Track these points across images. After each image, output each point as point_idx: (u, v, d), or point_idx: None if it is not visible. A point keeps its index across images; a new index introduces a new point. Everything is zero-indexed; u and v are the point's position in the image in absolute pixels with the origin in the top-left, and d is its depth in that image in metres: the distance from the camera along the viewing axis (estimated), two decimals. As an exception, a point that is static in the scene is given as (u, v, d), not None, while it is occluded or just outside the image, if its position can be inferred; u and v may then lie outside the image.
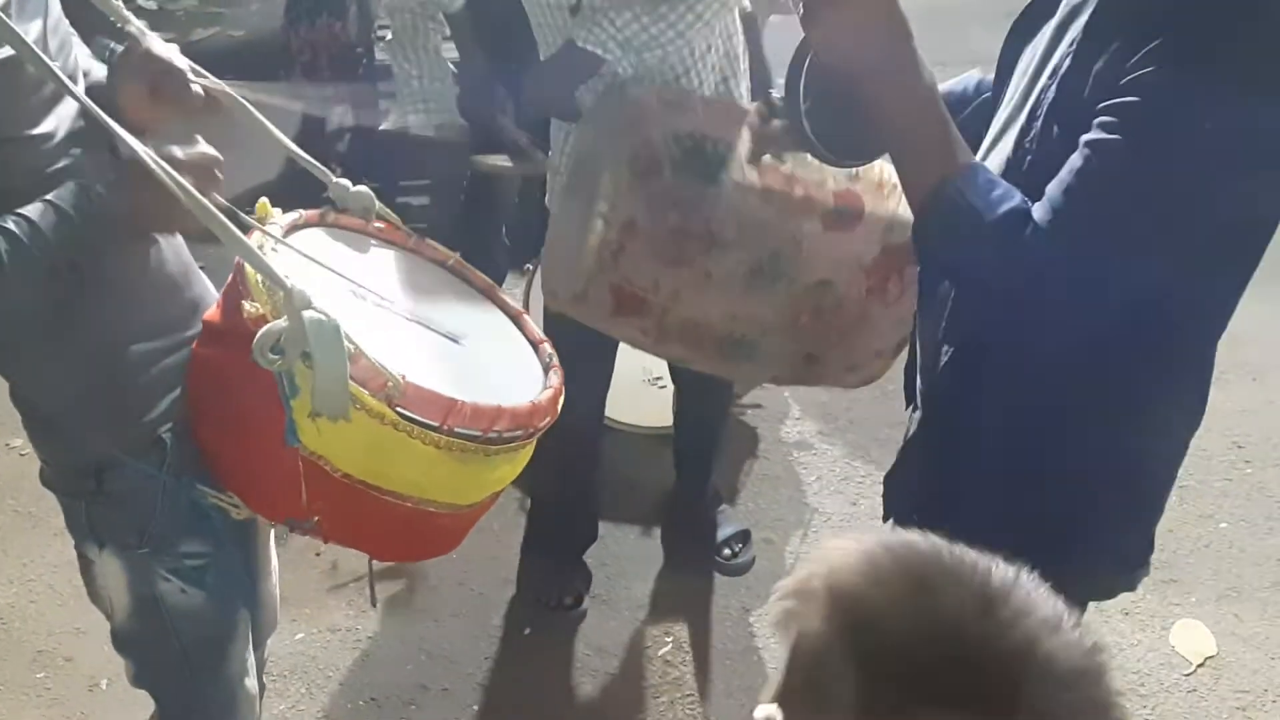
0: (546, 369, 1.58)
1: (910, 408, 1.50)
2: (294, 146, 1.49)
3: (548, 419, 1.46)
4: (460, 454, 1.35)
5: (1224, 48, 1.00)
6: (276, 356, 1.23)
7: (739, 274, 1.64)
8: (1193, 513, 2.73)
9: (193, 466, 1.45)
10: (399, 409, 1.29)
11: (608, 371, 2.31)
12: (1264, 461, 2.93)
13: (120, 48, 1.35)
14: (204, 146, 1.32)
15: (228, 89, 1.41)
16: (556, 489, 2.45)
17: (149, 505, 1.44)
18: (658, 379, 2.83)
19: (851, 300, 1.69)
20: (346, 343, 1.24)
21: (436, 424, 1.31)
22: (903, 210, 1.67)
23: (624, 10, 1.83)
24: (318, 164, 1.53)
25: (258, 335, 1.22)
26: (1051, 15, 1.20)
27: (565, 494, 2.46)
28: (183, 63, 1.35)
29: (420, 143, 2.15)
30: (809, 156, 1.64)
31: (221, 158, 1.33)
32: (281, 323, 1.22)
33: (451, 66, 2.23)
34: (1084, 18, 1.13)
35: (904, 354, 1.78)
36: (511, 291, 3.25)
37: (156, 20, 5.34)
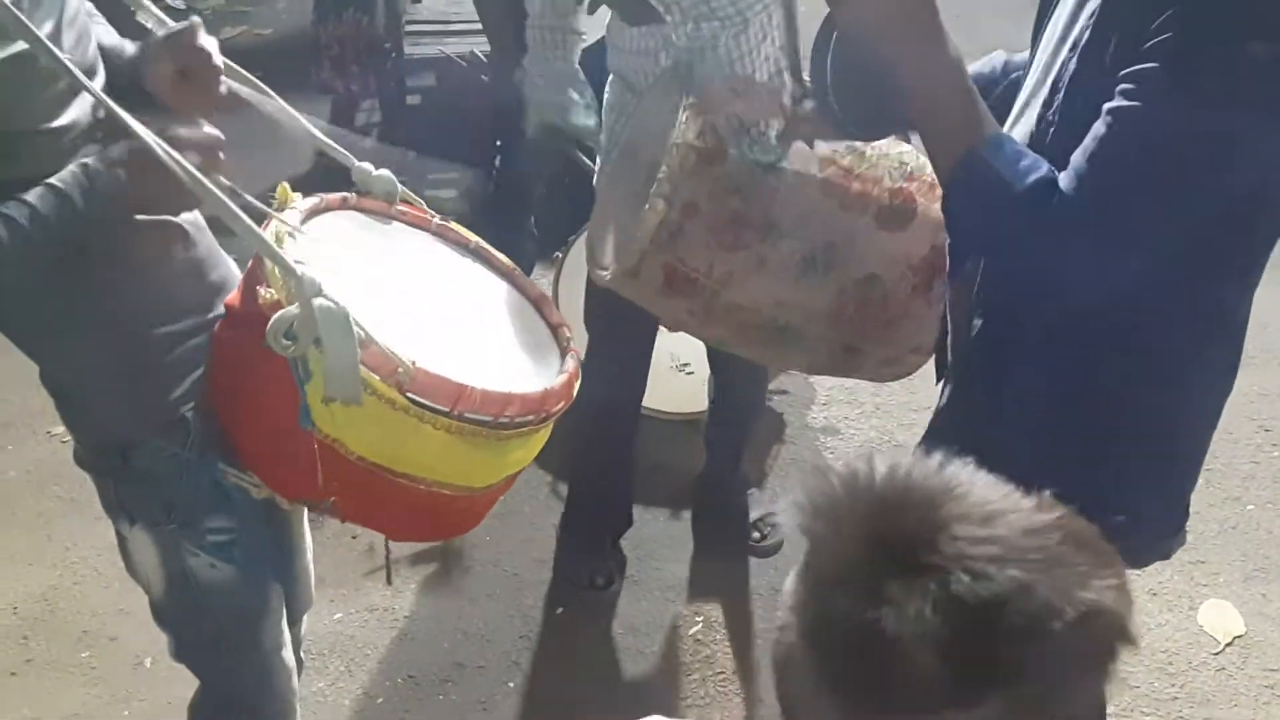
0: (564, 353, 1.58)
1: (940, 382, 1.53)
2: (318, 133, 1.52)
3: (562, 404, 1.47)
4: (472, 438, 1.37)
5: (1239, 12, 1.02)
6: (289, 342, 1.26)
7: (792, 262, 1.67)
8: (1219, 495, 2.75)
9: (215, 446, 1.48)
10: (409, 394, 1.31)
11: (647, 356, 2.33)
12: (1290, 444, 2.93)
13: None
14: (207, 127, 1.33)
15: (253, 79, 1.44)
16: (592, 473, 2.49)
17: (174, 483, 1.47)
18: (685, 365, 2.86)
19: (897, 296, 1.72)
20: (357, 329, 1.26)
21: (447, 409, 1.33)
22: None
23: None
24: (341, 149, 1.56)
25: (271, 321, 1.26)
26: None
27: (600, 478, 2.49)
28: (219, 59, 1.37)
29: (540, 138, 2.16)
30: (867, 151, 1.68)
31: (223, 137, 1.33)
32: (293, 309, 1.25)
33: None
34: None
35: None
36: (540, 280, 3.30)
37: (183, 19, 5.40)
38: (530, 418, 1.41)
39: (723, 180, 1.62)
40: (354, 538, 2.60)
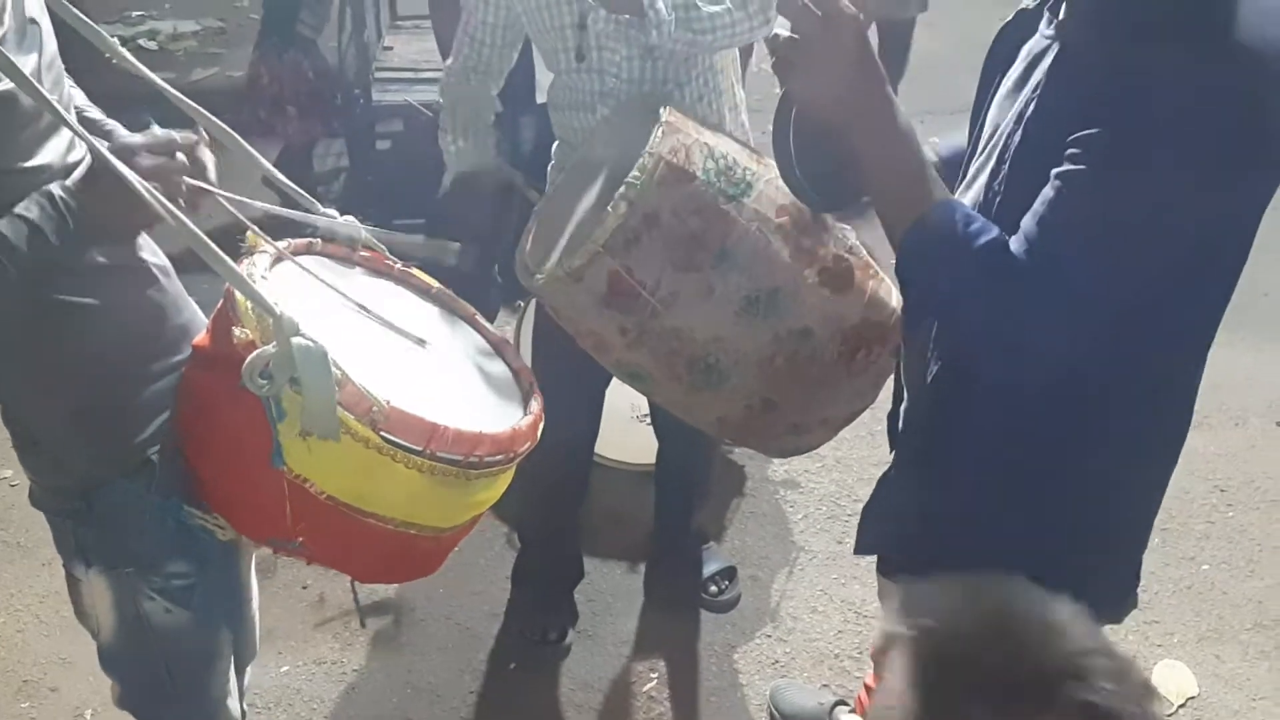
0: (528, 396, 1.61)
1: (893, 450, 1.53)
2: (283, 178, 1.54)
3: (528, 444, 1.49)
4: (442, 477, 1.38)
5: (1177, 90, 1.04)
6: (265, 381, 1.26)
7: (737, 298, 1.67)
8: (1175, 554, 2.76)
9: (180, 487, 1.47)
10: (383, 433, 1.32)
11: (597, 404, 2.32)
12: (1245, 505, 2.95)
13: (157, 128, 1.34)
14: (160, 134, 1.32)
15: (218, 123, 1.44)
16: (542, 524, 2.47)
17: (136, 525, 1.47)
18: (645, 415, 2.85)
19: (823, 359, 1.73)
20: (333, 368, 1.27)
21: (419, 448, 1.34)
22: (882, 291, 1.74)
23: (620, 48, 1.90)
24: (306, 195, 1.58)
25: (247, 360, 1.26)
26: (1010, 64, 1.25)
27: (550, 529, 2.47)
28: (213, 175, 1.37)
29: (460, 185, 2.15)
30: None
31: (179, 139, 1.32)
32: (270, 348, 1.26)
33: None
34: (1046, 63, 1.18)
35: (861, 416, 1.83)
36: (503, 328, 3.29)
37: (157, 60, 5.41)
38: (499, 457, 1.43)
39: (687, 199, 1.64)
40: (304, 588, 2.57)
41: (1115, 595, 1.41)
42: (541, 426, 1.55)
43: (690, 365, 1.71)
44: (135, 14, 5.91)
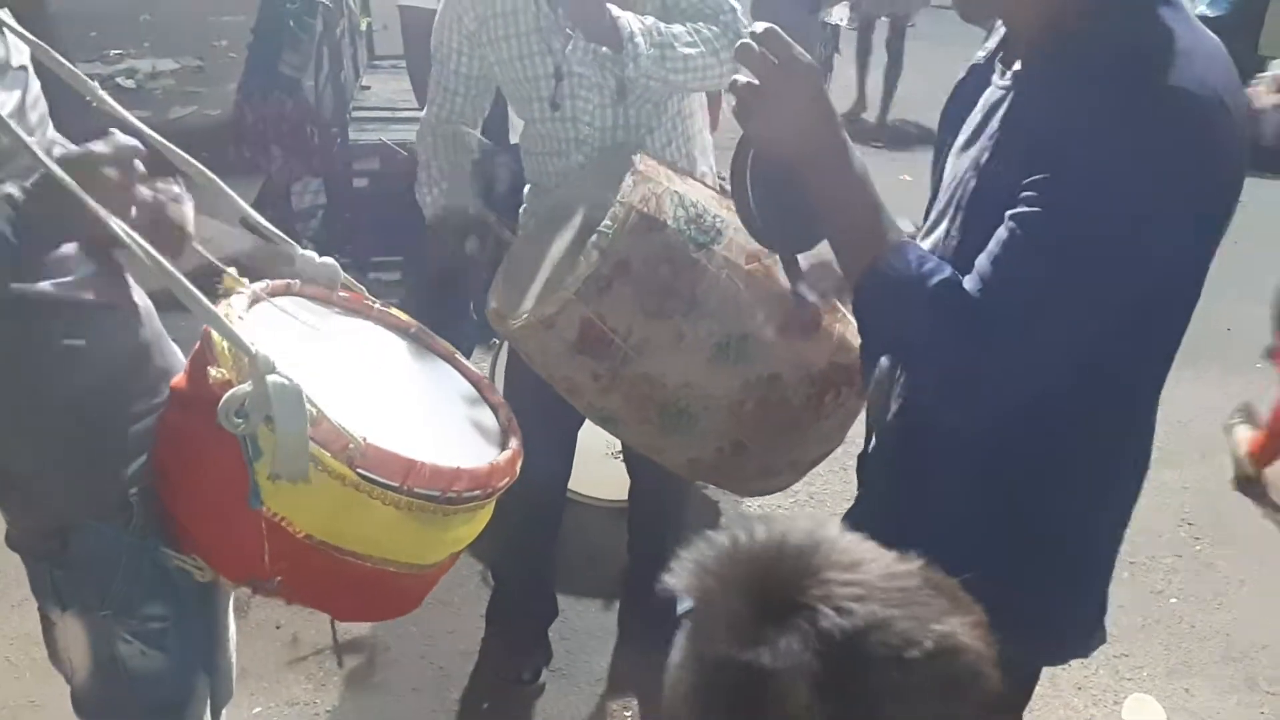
0: (506, 432, 1.62)
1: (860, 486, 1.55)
2: (260, 219, 1.55)
3: (506, 479, 1.50)
4: (420, 514, 1.39)
5: (1129, 133, 1.08)
6: (240, 420, 1.27)
7: (708, 345, 1.70)
8: (1143, 588, 2.79)
9: (158, 529, 1.47)
10: (360, 470, 1.33)
11: (570, 442, 2.33)
12: (1212, 539, 2.99)
13: (119, 135, 1.33)
14: (122, 143, 1.31)
15: (195, 164, 1.46)
16: (515, 563, 2.47)
17: (113, 567, 1.47)
18: (619, 452, 2.87)
19: (792, 403, 1.75)
20: (309, 406, 1.28)
21: (396, 484, 1.35)
22: (849, 334, 1.76)
23: (593, 96, 1.94)
24: (285, 237, 1.59)
25: (223, 399, 1.27)
26: (966, 117, 1.29)
27: (524, 568, 2.47)
28: (191, 227, 1.39)
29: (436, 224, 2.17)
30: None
31: (139, 146, 1.32)
32: (246, 387, 1.27)
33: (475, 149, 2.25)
34: (1001, 112, 1.21)
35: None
36: (479, 365, 3.30)
37: (134, 98, 5.42)
38: (477, 493, 1.44)
39: (658, 247, 1.66)
40: (277, 628, 2.56)
41: (1083, 628, 1.43)
42: (520, 462, 1.56)
43: (661, 410, 1.73)
44: (114, 53, 5.94)
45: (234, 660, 1.81)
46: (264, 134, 3.88)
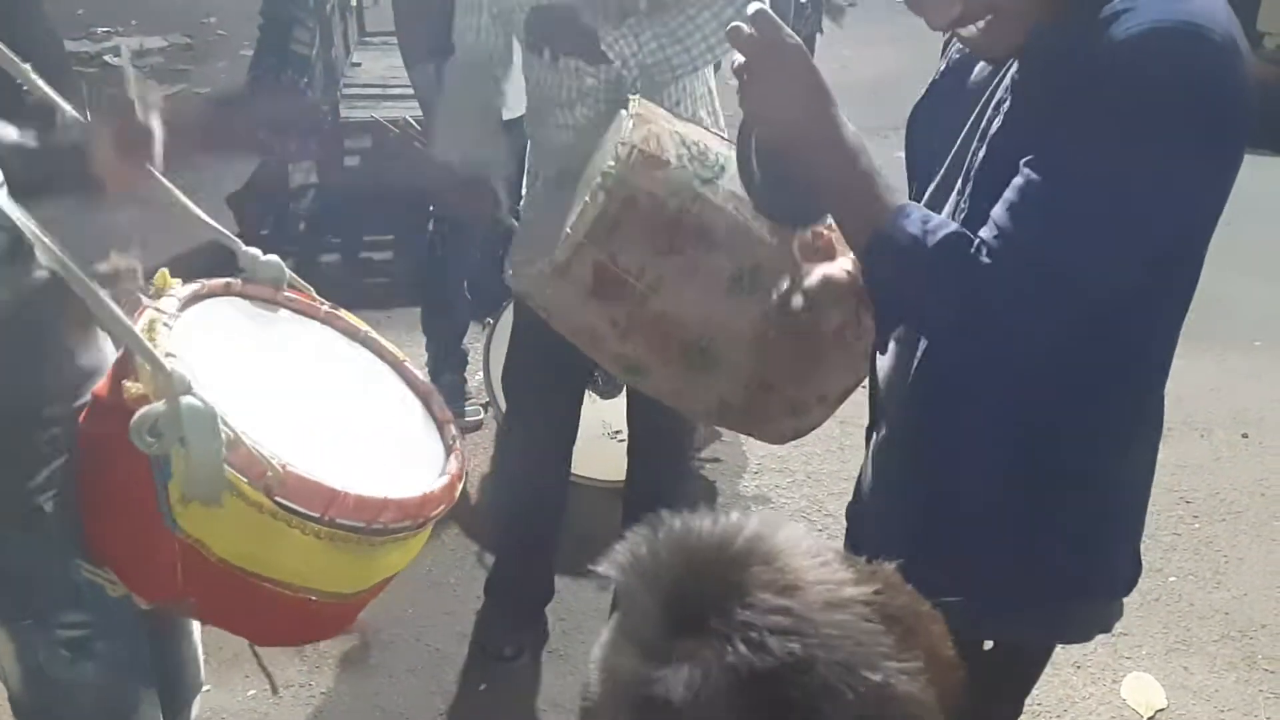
0: (449, 452, 1.54)
1: (869, 442, 1.53)
2: (204, 215, 1.49)
3: (441, 507, 1.42)
4: (343, 544, 1.32)
5: (1144, 97, 1.07)
6: (153, 440, 1.22)
7: (722, 276, 1.68)
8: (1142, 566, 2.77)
9: (74, 539, 1.42)
10: (278, 499, 1.26)
11: (572, 421, 2.31)
12: (1211, 516, 2.98)
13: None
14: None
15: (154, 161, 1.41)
16: (514, 541, 2.45)
17: (27, 576, 1.42)
18: (617, 432, 2.85)
19: (815, 330, 1.73)
20: (225, 429, 1.22)
21: (317, 515, 1.28)
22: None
23: (645, 30, 1.95)
24: (226, 232, 1.53)
25: (135, 417, 1.21)
26: (945, 112, 1.28)
27: (522, 546, 2.46)
28: (159, 136, 1.36)
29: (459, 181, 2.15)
30: None
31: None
32: (159, 406, 1.21)
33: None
34: (1007, 81, 1.19)
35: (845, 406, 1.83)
36: (473, 345, 3.28)
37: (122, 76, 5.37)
38: (406, 524, 1.37)
39: (662, 183, 1.66)
40: (272, 610, 2.54)
41: (1118, 587, 1.40)
42: (460, 487, 1.48)
43: (685, 349, 1.71)
44: (101, 30, 5.88)
45: (200, 651, 1.76)
46: (278, 114, 3.84)
